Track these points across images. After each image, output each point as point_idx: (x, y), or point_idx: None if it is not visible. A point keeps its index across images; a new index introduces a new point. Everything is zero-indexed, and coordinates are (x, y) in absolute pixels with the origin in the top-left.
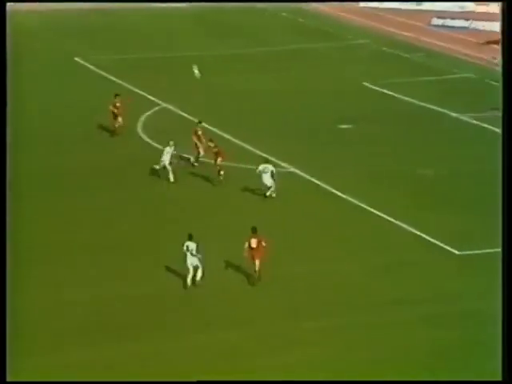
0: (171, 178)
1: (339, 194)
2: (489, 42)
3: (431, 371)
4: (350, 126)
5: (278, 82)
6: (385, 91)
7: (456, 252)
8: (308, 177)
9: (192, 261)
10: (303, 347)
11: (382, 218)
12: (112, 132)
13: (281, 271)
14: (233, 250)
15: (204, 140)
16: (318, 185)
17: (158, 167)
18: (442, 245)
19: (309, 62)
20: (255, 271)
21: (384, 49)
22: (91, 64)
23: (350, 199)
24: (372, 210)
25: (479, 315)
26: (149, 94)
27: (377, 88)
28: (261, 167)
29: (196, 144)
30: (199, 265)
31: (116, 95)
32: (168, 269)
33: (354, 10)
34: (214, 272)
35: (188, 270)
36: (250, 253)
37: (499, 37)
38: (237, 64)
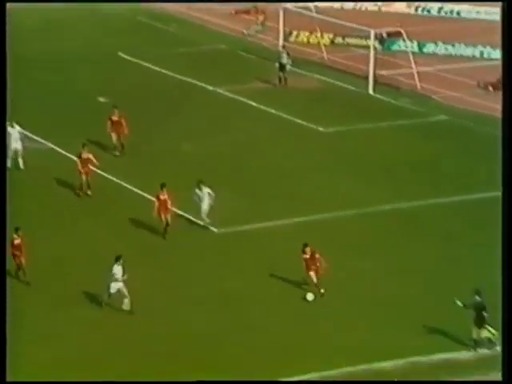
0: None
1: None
2: (238, 12)
3: None
4: (108, 100)
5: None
6: (140, 62)
7: (215, 230)
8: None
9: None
10: None
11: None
12: None
13: None
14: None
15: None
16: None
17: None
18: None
19: (63, 31)
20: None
21: (139, 18)
22: None
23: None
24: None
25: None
26: None
27: (132, 59)
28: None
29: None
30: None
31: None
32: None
33: None
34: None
35: None
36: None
37: (250, 6)
38: None
